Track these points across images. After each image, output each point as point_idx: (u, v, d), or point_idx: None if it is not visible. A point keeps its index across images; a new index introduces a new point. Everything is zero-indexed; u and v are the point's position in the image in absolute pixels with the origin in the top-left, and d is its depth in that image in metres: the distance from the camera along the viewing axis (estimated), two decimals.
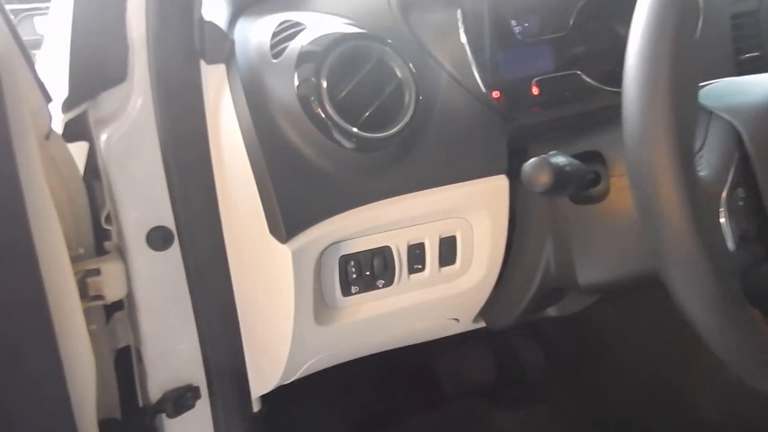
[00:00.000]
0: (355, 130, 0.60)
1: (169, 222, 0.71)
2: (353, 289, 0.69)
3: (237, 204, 0.68)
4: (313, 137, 0.62)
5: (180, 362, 0.77)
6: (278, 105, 0.62)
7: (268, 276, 0.67)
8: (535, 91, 0.71)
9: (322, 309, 0.69)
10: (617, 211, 0.62)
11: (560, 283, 0.72)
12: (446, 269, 0.72)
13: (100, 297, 0.76)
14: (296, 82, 0.61)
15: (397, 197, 0.66)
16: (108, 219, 0.76)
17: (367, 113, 0.61)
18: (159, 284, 0.73)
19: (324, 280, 0.68)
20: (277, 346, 0.71)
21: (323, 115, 0.60)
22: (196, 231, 0.70)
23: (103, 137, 0.67)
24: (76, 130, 0.75)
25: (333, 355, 0.77)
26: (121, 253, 0.72)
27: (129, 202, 0.69)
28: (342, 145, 0.62)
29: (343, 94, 0.60)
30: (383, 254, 0.68)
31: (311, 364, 0.76)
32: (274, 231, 0.62)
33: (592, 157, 0.63)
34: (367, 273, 0.68)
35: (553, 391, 1.19)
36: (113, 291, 0.76)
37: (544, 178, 0.55)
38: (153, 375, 0.78)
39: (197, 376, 0.80)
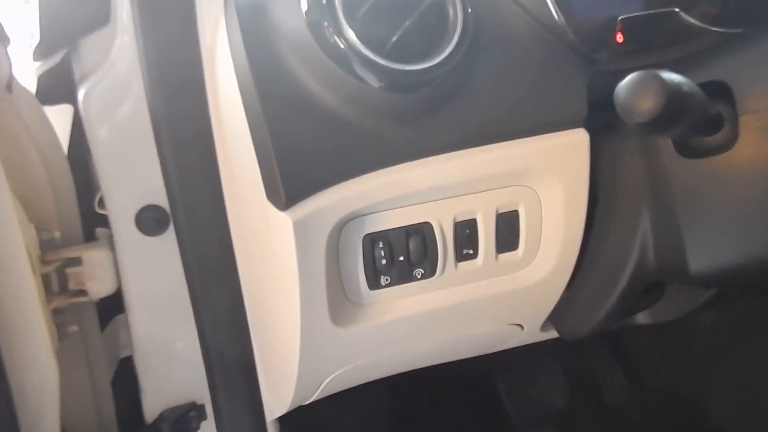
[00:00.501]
0: (383, 62, 0.45)
1: (163, 200, 0.57)
2: (383, 279, 0.53)
3: (238, 173, 0.53)
4: (327, 74, 0.46)
5: (180, 374, 0.65)
6: (282, 35, 0.48)
7: (270, 259, 0.52)
8: (619, 38, 0.53)
9: (341, 305, 0.53)
10: (750, 164, 0.43)
11: (660, 275, 0.54)
12: (505, 256, 0.55)
13: (82, 292, 0.62)
14: (305, 6, 0.46)
15: (440, 156, 0.49)
16: (102, 203, 0.63)
17: (396, 37, 0.45)
18: (152, 278, 0.60)
19: (344, 266, 0.52)
20: (286, 353, 0.55)
21: (341, 45, 0.45)
22: (195, 211, 0.57)
23: (81, 92, 0.55)
24: (56, 88, 0.63)
25: (360, 369, 0.61)
26: (112, 242, 0.59)
27: (113, 175, 0.56)
28: (366, 83, 0.46)
29: (364, 9, 0.44)
30: (422, 233, 0.52)
31: (333, 381, 0.60)
32: (271, 195, 0.47)
33: (711, 93, 0.45)
34: (401, 258, 0.52)
35: (639, 420, 0.98)
36: (98, 285, 0.63)
37: (652, 100, 0.38)
38: (148, 389, 0.65)
39: (201, 393, 0.66)
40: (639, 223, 0.52)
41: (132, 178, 0.57)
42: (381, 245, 0.52)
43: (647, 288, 0.57)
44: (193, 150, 0.55)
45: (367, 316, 0.55)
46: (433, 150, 0.49)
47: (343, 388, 0.65)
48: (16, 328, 0.48)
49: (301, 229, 0.46)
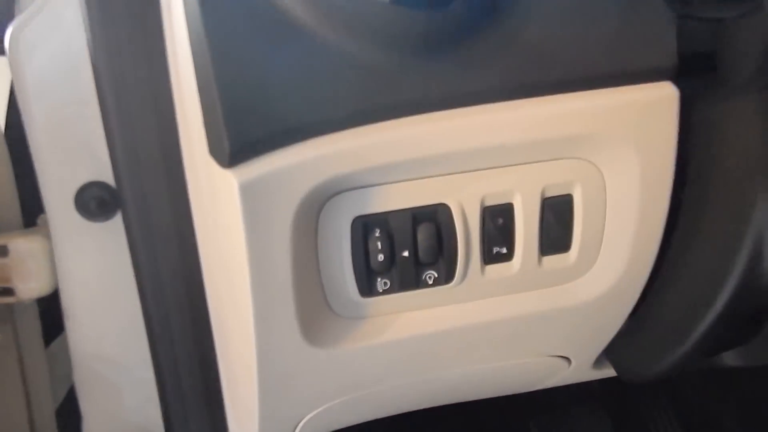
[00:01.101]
0: None
1: (109, 176, 0.44)
2: (380, 284, 0.38)
3: (193, 133, 0.39)
4: None
5: (129, 399, 0.52)
6: None
7: (221, 245, 0.37)
8: None
9: (318, 316, 0.38)
10: None
11: None
12: (552, 261, 0.40)
13: (8, 291, 0.50)
14: None
15: (467, 108, 0.34)
16: None
17: None
18: (95, 276, 0.47)
19: (324, 260, 0.37)
20: (245, 380, 0.40)
21: None
22: (148, 190, 0.43)
23: (8, 32, 0.42)
24: None
25: (351, 407, 0.45)
26: None
27: (45, 140, 0.43)
28: None
29: None
30: (436, 220, 0.37)
31: (313, 422, 0.45)
32: (213, 145, 0.32)
33: None
34: (405, 255, 0.37)
35: None
36: (29, 282, 0.51)
37: None
38: (90, 417, 0.53)
39: (153, 421, 0.51)
40: (749, 220, 0.36)
41: (70, 145, 0.43)
42: (378, 234, 0.37)
43: (754, 315, 0.40)
44: (146, 110, 0.41)
45: (357, 334, 0.39)
46: (458, 98, 0.34)
47: (328, 430, 0.50)
48: None
49: (252, 196, 0.32)
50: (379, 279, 0.38)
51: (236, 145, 0.30)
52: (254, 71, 0.31)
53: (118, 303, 0.48)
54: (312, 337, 0.38)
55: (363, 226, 0.36)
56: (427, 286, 0.39)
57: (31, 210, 0.53)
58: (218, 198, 0.34)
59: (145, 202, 0.44)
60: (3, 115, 0.60)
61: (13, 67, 0.42)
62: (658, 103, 0.36)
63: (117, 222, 0.46)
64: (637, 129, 0.36)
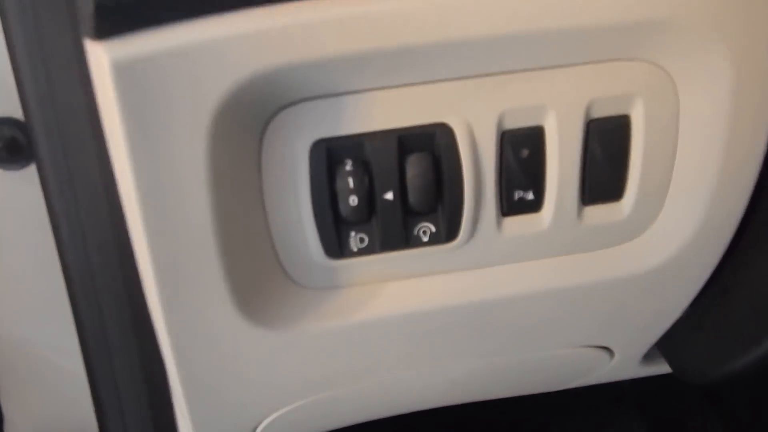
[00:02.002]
0: None
1: (17, 111, 0.34)
2: (353, 239, 0.27)
3: None
4: None
5: (59, 395, 0.44)
6: None
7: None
8: None
9: (263, 282, 0.27)
10: None
11: None
12: (597, 212, 0.28)
13: None
14: None
15: None
16: None
17: None
18: (7, 237, 0.38)
19: (271, 200, 0.26)
20: (169, 370, 0.29)
21: None
22: (63, 127, 0.32)
23: None
24: None
25: (323, 409, 0.34)
26: None
27: None
28: None
29: None
30: (432, 148, 0.26)
31: (273, 427, 0.34)
32: (83, 14, 0.21)
33: None
34: (389, 197, 0.26)
35: None
36: None
37: None
38: (14, 418, 0.46)
39: (87, 419, 0.44)
40: None
41: None
42: (349, 167, 0.25)
43: None
44: (59, 29, 0.31)
45: (323, 311, 0.28)
46: None
47: None
48: None
49: (134, 84, 0.21)
50: (352, 233, 0.27)
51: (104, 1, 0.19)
52: None
53: (36, 276, 0.38)
54: (256, 312, 0.27)
55: (327, 155, 0.25)
56: (420, 244, 0.27)
57: None
58: (100, 100, 0.23)
59: (62, 141, 0.33)
60: None
61: None
62: None
63: (28, 172, 0.36)
64: (734, 18, 0.24)
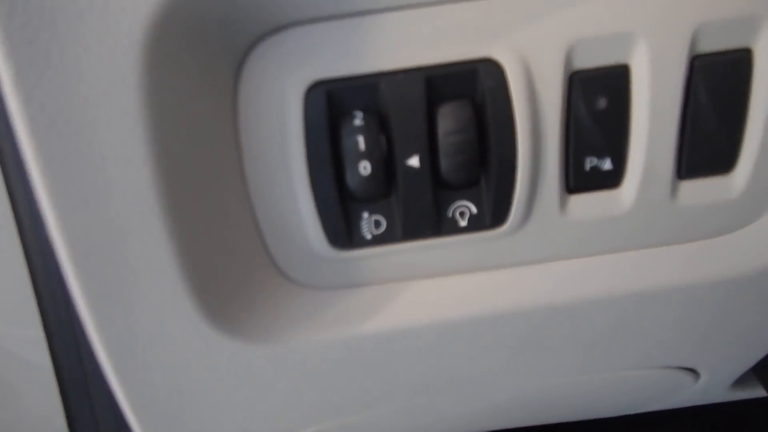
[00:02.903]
0: None
1: None
2: (366, 222, 0.20)
3: None
4: None
5: (28, 394, 0.39)
6: None
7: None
8: None
9: (246, 276, 0.20)
10: None
11: None
12: (699, 187, 0.21)
13: None
14: None
15: None
16: None
17: None
18: None
19: (253, 165, 0.19)
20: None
21: None
22: None
23: None
24: None
25: None
26: None
27: None
28: None
29: None
30: (473, 94, 0.18)
31: None
32: None
33: None
34: (414, 164, 0.19)
35: None
36: None
37: None
38: None
39: (53, 411, 0.39)
40: None
41: None
42: (359, 121, 0.18)
43: None
44: None
45: (326, 316, 0.21)
46: None
47: None
48: None
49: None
50: (365, 215, 0.20)
51: None
52: None
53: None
54: (228, 320, 0.20)
55: (329, 104, 0.18)
56: (456, 230, 0.20)
57: None
58: None
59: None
60: None
61: None
62: None
63: None
64: None
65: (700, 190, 0.21)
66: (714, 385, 0.30)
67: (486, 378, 0.25)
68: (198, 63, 0.16)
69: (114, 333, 0.18)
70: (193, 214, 0.18)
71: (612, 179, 0.20)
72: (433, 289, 0.22)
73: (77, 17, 0.14)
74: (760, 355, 0.28)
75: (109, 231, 0.17)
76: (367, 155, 0.19)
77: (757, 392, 0.34)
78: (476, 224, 0.20)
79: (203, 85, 0.17)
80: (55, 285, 0.31)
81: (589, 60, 0.19)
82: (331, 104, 0.18)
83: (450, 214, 0.20)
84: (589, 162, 0.20)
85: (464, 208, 0.20)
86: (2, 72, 0.14)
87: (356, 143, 0.19)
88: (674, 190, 0.21)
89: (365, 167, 0.19)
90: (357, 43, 0.18)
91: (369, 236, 0.20)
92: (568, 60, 0.19)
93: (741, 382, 0.32)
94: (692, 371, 0.28)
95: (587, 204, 0.21)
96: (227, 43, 0.17)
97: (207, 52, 0.17)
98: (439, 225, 0.20)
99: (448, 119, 0.19)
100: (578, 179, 0.20)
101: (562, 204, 0.21)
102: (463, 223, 0.20)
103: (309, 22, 0.18)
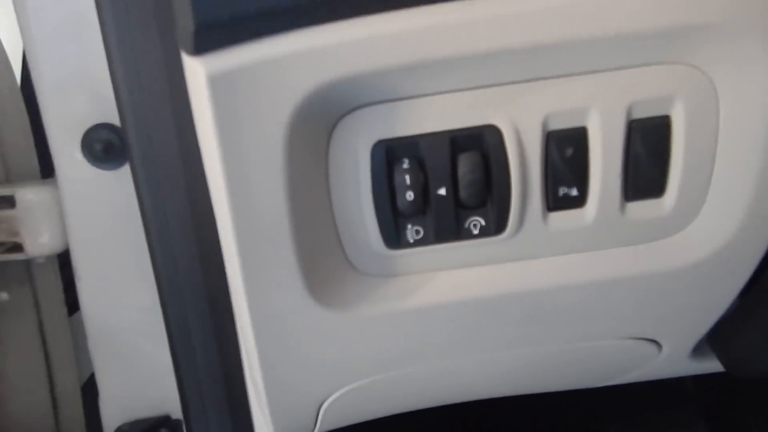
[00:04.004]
0: None
1: (114, 118, 0.39)
2: (410, 232, 0.30)
3: None
4: None
5: (147, 376, 0.46)
6: None
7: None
8: None
9: (331, 269, 0.30)
10: None
11: None
12: (640, 208, 0.30)
13: (17, 247, 0.45)
14: None
15: None
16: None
17: None
18: (103, 232, 0.42)
19: (338, 195, 0.29)
20: (248, 347, 0.33)
21: None
22: (153, 132, 0.37)
23: None
24: None
25: (381, 392, 0.37)
26: None
27: (51, 84, 0.38)
28: None
29: None
30: (482, 147, 0.28)
31: (337, 406, 0.37)
32: (181, 32, 0.24)
33: None
34: (442, 193, 0.29)
35: None
36: (38, 236, 0.46)
37: None
38: (106, 394, 0.48)
39: (173, 403, 0.47)
40: None
41: (75, 87, 0.38)
42: (406, 164, 0.28)
43: None
44: (150, 47, 0.35)
45: (383, 296, 0.31)
46: None
47: (361, 420, 0.42)
48: None
49: (226, 94, 0.24)
50: (409, 226, 0.30)
51: (204, 20, 0.23)
52: None
53: (131, 264, 0.42)
54: (323, 295, 0.30)
55: (387, 154, 0.28)
56: (471, 236, 0.30)
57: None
58: (194, 107, 0.26)
59: (152, 145, 0.37)
60: (19, 68, 0.56)
61: (18, 11, 0.37)
62: None
63: (123, 171, 0.40)
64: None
65: (641, 208, 0.30)
66: (675, 355, 0.39)
67: (492, 344, 0.34)
68: (311, 130, 0.27)
69: (257, 304, 0.29)
70: (303, 226, 0.28)
71: (578, 202, 0.30)
72: (454, 278, 0.31)
73: (251, 112, 0.24)
74: (706, 328, 0.36)
75: (260, 237, 0.27)
76: (411, 187, 0.28)
77: (716, 366, 0.42)
78: (484, 232, 0.30)
79: (311, 143, 0.27)
80: (174, 284, 0.40)
81: (559, 124, 0.28)
82: (388, 154, 0.28)
83: (466, 226, 0.30)
84: (562, 190, 0.29)
85: (476, 221, 0.30)
86: (210, 129, 0.24)
87: (404, 180, 0.28)
88: (623, 208, 0.30)
89: (409, 195, 0.29)
90: (404, 115, 0.28)
91: (411, 240, 0.30)
92: (545, 125, 0.28)
93: (701, 356, 0.40)
94: (655, 343, 0.38)
95: (562, 219, 0.30)
96: (326, 119, 0.27)
97: (316, 124, 0.27)
98: (458, 233, 0.30)
99: (465, 164, 0.28)
100: (554, 202, 0.30)
101: (544, 219, 0.30)
102: (476, 231, 0.30)
103: (374, 104, 0.28)
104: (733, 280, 0.33)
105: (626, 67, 0.27)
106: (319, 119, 0.27)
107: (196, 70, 0.24)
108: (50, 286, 0.53)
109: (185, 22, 0.23)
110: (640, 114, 0.28)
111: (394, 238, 0.30)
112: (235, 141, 0.25)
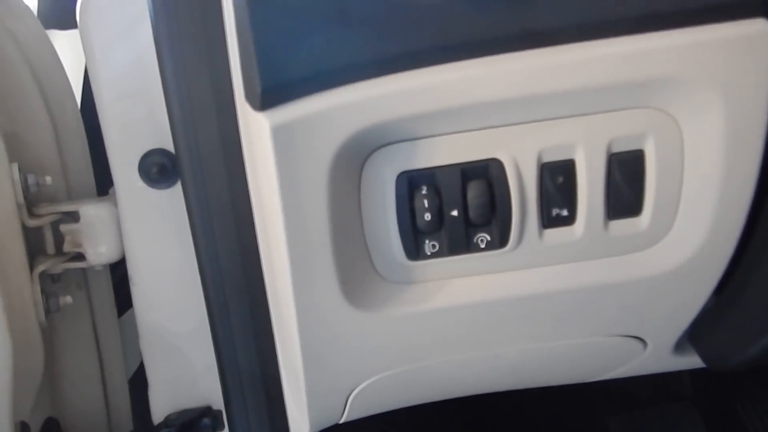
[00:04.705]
0: None
1: (168, 144, 0.45)
2: (428, 246, 0.36)
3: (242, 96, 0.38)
4: None
5: (192, 370, 0.52)
6: None
7: (263, 199, 0.36)
8: None
9: (363, 277, 0.36)
10: None
11: None
12: (621, 225, 0.36)
13: (80, 256, 0.51)
14: None
15: (523, 52, 0.31)
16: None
17: None
18: (157, 243, 0.48)
19: (368, 218, 0.35)
20: (292, 345, 0.39)
21: None
22: (203, 156, 0.43)
23: (79, 3, 0.43)
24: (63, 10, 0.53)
25: (402, 383, 0.43)
26: None
27: (113, 113, 0.44)
28: None
29: None
30: (487, 177, 0.34)
31: (363, 395, 0.43)
32: (248, 88, 0.31)
33: None
34: (455, 214, 0.35)
35: None
36: (98, 247, 0.51)
37: None
38: (155, 386, 0.53)
39: (214, 395, 0.53)
40: None
41: (135, 115, 0.44)
42: (424, 191, 0.34)
43: None
44: (204, 80, 0.41)
45: (405, 299, 0.37)
46: (514, 40, 0.31)
47: (382, 410, 0.48)
48: None
49: (285, 140, 0.30)
50: (426, 241, 0.36)
51: (268, 84, 0.29)
52: (292, 11, 0.30)
53: (180, 272, 0.48)
54: (356, 299, 0.36)
55: (408, 182, 0.34)
56: (479, 250, 0.36)
57: (106, 183, 0.54)
58: (256, 148, 0.33)
59: (202, 168, 0.43)
60: (79, 91, 0.62)
61: (84, 38, 0.43)
62: (748, 41, 0.31)
63: (175, 191, 0.46)
64: (723, 72, 0.32)
65: (621, 226, 0.36)
66: (659, 351, 0.44)
67: (498, 341, 0.40)
68: (347, 165, 0.33)
69: (302, 306, 0.35)
70: (341, 243, 0.34)
71: (568, 221, 0.35)
72: (464, 284, 0.37)
73: (303, 153, 0.30)
74: (685, 325, 0.42)
75: (306, 251, 0.33)
76: (428, 209, 0.34)
77: (698, 362, 0.47)
78: (490, 246, 0.36)
79: (347, 175, 0.33)
80: (219, 291, 0.46)
81: (551, 157, 0.34)
82: (410, 183, 0.34)
83: (475, 241, 0.36)
84: (554, 211, 0.35)
85: (483, 237, 0.36)
86: (271, 168, 0.30)
87: (423, 203, 0.34)
88: (606, 226, 0.36)
89: (427, 216, 0.35)
90: (423, 151, 0.34)
91: (429, 253, 0.36)
92: (540, 158, 0.34)
93: (684, 352, 0.46)
94: (640, 340, 0.43)
95: (555, 235, 0.36)
96: (360, 155, 0.33)
97: (352, 160, 0.33)
98: (468, 247, 0.36)
99: (473, 190, 0.34)
100: (548, 221, 0.35)
101: (540, 235, 0.36)
102: (483, 245, 0.36)
103: (398, 142, 0.34)
104: (703, 285, 0.38)
105: (606, 110, 0.33)
106: (354, 156, 0.33)
107: (261, 122, 0.30)
108: (103, 290, 0.59)
109: (253, 83, 0.29)
110: (618, 148, 0.34)
111: (414, 251, 0.36)
112: (290, 175, 0.31)
